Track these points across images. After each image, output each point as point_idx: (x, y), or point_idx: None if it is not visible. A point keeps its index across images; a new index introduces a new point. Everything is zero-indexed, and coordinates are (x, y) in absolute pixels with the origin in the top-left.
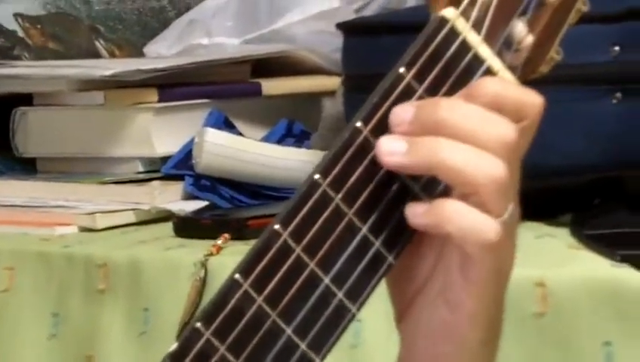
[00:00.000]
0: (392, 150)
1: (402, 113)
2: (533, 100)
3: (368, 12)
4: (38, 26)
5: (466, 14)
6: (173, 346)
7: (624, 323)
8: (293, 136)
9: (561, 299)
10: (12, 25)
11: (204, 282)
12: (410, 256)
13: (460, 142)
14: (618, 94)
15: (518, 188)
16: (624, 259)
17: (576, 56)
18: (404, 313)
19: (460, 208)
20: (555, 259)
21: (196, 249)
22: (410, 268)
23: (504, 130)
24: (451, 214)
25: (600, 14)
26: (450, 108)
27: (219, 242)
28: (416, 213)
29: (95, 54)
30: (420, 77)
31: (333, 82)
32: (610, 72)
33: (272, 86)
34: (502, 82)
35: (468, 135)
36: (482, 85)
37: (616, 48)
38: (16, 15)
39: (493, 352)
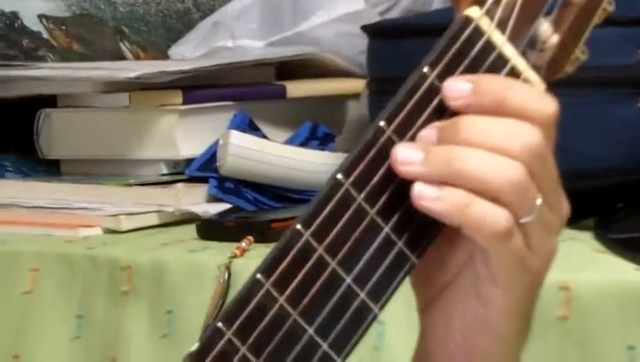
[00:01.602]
0: (407, 159)
1: (425, 137)
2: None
3: (393, 14)
4: (63, 28)
5: (490, 14)
6: (195, 345)
7: None
8: (317, 138)
9: (584, 302)
10: (37, 26)
11: (227, 284)
12: (444, 247)
13: (474, 150)
14: None
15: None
16: None
17: (601, 58)
18: (432, 304)
19: (470, 199)
20: (579, 263)
21: (220, 251)
22: (442, 259)
23: (525, 135)
24: (460, 205)
25: (625, 17)
26: (466, 130)
27: (243, 244)
28: (426, 197)
29: (120, 56)
30: (443, 76)
31: (358, 85)
32: (635, 74)
33: (297, 88)
34: (510, 83)
35: (488, 145)
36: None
37: None
38: (41, 16)
39: (526, 340)
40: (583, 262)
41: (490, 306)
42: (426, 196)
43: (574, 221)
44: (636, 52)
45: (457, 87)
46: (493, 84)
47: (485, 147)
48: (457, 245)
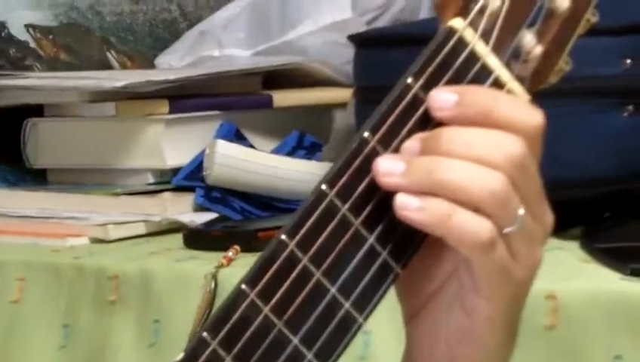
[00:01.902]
0: (389, 170)
1: (408, 149)
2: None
3: (380, 24)
4: (50, 37)
5: (474, 25)
6: (180, 355)
7: (635, 337)
8: (304, 148)
9: (571, 312)
10: (24, 35)
11: (214, 294)
12: (429, 257)
13: (457, 160)
14: (630, 107)
15: (545, 196)
16: (634, 273)
17: (588, 68)
18: (417, 314)
19: (453, 210)
20: (566, 272)
21: (206, 260)
22: (428, 269)
23: (507, 147)
24: (443, 215)
25: (611, 27)
26: (449, 141)
27: (229, 254)
28: (408, 207)
29: (106, 65)
30: (427, 87)
31: (345, 94)
32: (622, 84)
33: (283, 98)
34: (494, 94)
35: (470, 156)
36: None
37: (628, 61)
38: (28, 26)
39: (512, 350)
40: (569, 272)
41: (475, 316)
42: (408, 206)
43: (561, 230)
44: (622, 62)
45: (443, 98)
46: (478, 96)
47: (468, 158)
48: (442, 255)
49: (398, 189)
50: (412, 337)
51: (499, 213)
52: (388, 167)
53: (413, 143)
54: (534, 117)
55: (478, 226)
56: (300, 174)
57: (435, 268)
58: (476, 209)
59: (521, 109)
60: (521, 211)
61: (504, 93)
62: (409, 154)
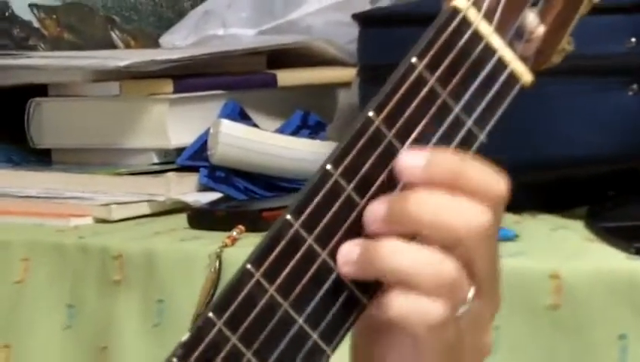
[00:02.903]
0: (346, 260)
1: (374, 211)
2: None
3: (384, 3)
4: (54, 17)
5: (477, 4)
6: (186, 335)
7: (639, 316)
8: (308, 127)
9: (575, 291)
10: (27, 15)
11: (218, 274)
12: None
13: (405, 246)
14: (634, 86)
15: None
16: (639, 252)
17: (593, 47)
18: (370, 333)
19: (399, 294)
20: (570, 252)
21: (211, 240)
22: (373, 331)
23: (475, 216)
24: (391, 297)
25: (616, 6)
26: (418, 204)
27: (233, 234)
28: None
29: (110, 45)
30: (431, 67)
31: (349, 73)
32: (627, 63)
33: (288, 77)
34: (462, 162)
35: (436, 225)
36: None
37: (633, 40)
38: (32, 5)
39: None
40: (574, 251)
41: None
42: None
43: (565, 209)
44: (626, 41)
45: (411, 162)
46: (446, 162)
47: (434, 227)
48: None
49: (355, 277)
50: (357, 346)
51: (448, 298)
52: (345, 255)
53: (377, 207)
54: (500, 185)
55: (429, 309)
56: (304, 153)
57: (379, 334)
58: (427, 293)
59: (487, 177)
60: (471, 294)
61: (472, 159)
62: (373, 216)
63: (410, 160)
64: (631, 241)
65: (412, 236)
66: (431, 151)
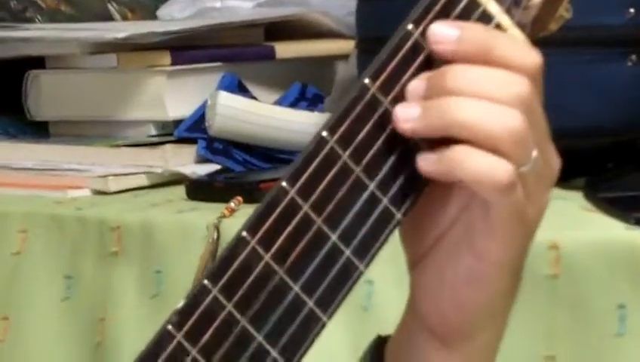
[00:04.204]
0: (406, 117)
1: (414, 88)
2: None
3: None
4: None
5: None
6: (181, 303)
7: (638, 286)
8: (306, 99)
9: (574, 261)
10: None
11: (216, 245)
12: (433, 202)
13: (472, 99)
14: (633, 56)
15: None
16: (638, 222)
17: (592, 18)
18: (422, 259)
19: (471, 153)
20: (569, 222)
21: (209, 212)
22: (432, 214)
23: (515, 85)
24: (462, 159)
25: None
26: (455, 78)
27: (231, 205)
28: (428, 160)
29: (108, 17)
30: None
31: (347, 45)
32: (626, 34)
33: (286, 49)
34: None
35: (480, 94)
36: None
37: (632, 10)
38: None
39: (515, 297)
40: (572, 221)
41: (485, 259)
42: (427, 160)
43: (564, 180)
44: (625, 11)
45: (443, 32)
46: (479, 33)
47: (477, 96)
48: (447, 200)
49: (417, 134)
50: (416, 283)
51: (516, 153)
52: (404, 113)
53: (418, 83)
54: (533, 56)
55: (498, 168)
56: (303, 126)
57: (440, 213)
58: (493, 149)
59: (521, 48)
60: (535, 151)
61: (503, 33)
62: (414, 93)
63: (443, 31)
64: (630, 211)
65: None
66: (463, 24)
